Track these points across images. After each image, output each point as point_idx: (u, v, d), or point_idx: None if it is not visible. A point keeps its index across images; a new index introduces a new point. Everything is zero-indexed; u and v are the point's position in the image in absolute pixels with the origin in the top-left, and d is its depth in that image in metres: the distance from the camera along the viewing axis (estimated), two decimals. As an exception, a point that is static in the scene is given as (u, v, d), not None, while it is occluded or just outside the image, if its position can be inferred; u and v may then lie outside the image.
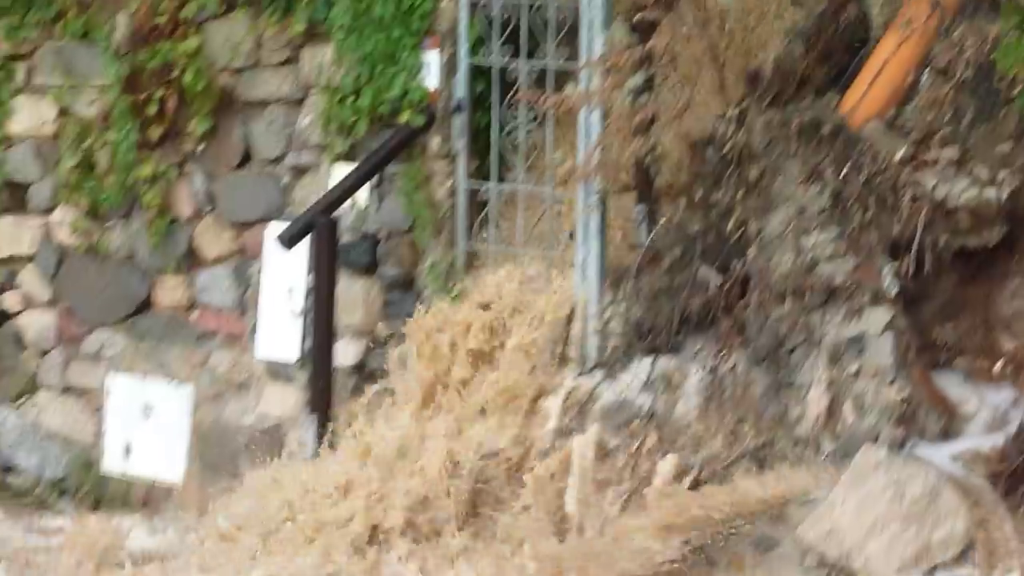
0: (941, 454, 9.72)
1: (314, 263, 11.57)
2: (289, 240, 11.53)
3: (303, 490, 11.09)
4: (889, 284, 10.12)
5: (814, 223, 10.27)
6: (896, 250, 10.21)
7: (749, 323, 10.28)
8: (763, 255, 10.30)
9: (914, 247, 10.16)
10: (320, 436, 11.45)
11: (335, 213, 11.54)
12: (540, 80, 11.19)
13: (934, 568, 9.24)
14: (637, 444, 10.27)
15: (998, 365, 10.24)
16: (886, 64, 10.67)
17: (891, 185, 10.25)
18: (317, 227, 11.45)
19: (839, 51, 11.06)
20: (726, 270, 10.44)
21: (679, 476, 10.07)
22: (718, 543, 9.73)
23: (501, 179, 11.47)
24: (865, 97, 10.63)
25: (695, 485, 10.04)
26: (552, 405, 10.68)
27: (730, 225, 10.48)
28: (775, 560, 9.62)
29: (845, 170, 10.32)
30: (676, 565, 9.58)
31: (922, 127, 10.46)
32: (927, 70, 10.65)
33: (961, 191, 10.20)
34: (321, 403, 11.54)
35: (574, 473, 10.31)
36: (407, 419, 11.04)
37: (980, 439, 9.84)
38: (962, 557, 9.25)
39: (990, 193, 10.18)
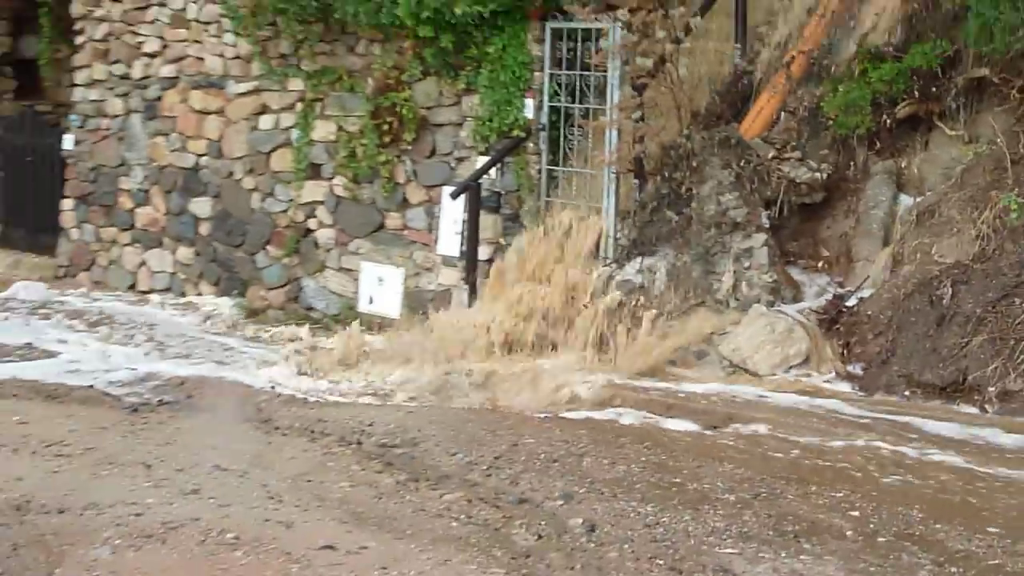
0: (793, 310, 9.43)
1: (467, 206, 11.27)
2: (455, 194, 11.24)
3: (459, 323, 10.73)
4: (765, 221, 9.79)
5: (726, 189, 9.89)
6: (768, 204, 10.00)
7: (692, 240, 9.96)
8: (700, 205, 10.00)
9: (778, 202, 9.89)
10: (470, 296, 11.12)
11: (479, 181, 11.13)
12: (586, 114, 10.79)
13: (790, 367, 8.93)
14: (634, 303, 9.91)
15: (820, 263, 10.06)
16: (762, 108, 10.47)
17: (766, 170, 10.04)
18: (470, 188, 11.16)
19: (738, 101, 10.65)
20: (680, 213, 10.09)
21: (656, 320, 9.71)
22: (676, 354, 9.39)
23: (564, 165, 11.04)
24: (752, 125, 10.36)
25: (664, 325, 9.67)
26: (590, 282, 10.26)
27: (682, 190, 10.12)
28: (705, 364, 9.36)
29: (742, 162, 9.97)
30: (656, 363, 9.22)
31: (781, 140, 10.27)
32: (783, 111, 10.29)
33: (802, 174, 10.05)
34: (471, 278, 11.28)
35: (602, 317, 9.93)
36: (515, 287, 10.67)
37: (812, 302, 9.65)
38: (804, 363, 9.00)
39: (817, 175, 10.08)
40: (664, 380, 9.08)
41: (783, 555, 5.53)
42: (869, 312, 9.03)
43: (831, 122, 10.03)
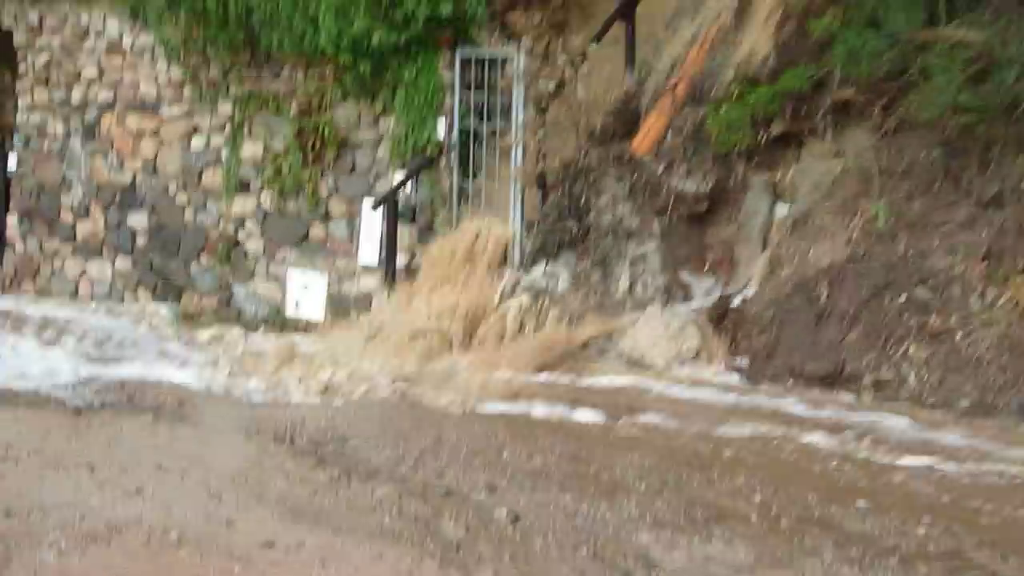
0: (684, 309, 9.15)
1: (387, 217, 10.84)
2: (374, 207, 10.87)
3: (379, 324, 10.31)
4: (657, 229, 9.51)
5: (621, 201, 9.64)
6: (659, 214, 9.70)
7: (591, 247, 9.70)
8: (598, 215, 9.75)
9: (668, 212, 9.60)
10: (390, 300, 10.73)
11: (396, 195, 10.73)
12: (493, 134, 10.45)
13: (683, 361, 8.64)
14: (539, 304, 9.55)
15: (706, 267, 9.70)
16: (651, 127, 10.13)
17: (656, 183, 9.71)
18: (388, 201, 10.77)
19: (630, 121, 10.33)
20: (580, 223, 9.79)
21: (559, 319, 9.38)
22: (580, 350, 9.06)
23: (474, 179, 10.67)
24: (642, 142, 10.05)
25: (567, 324, 9.34)
26: (499, 285, 9.93)
27: (581, 202, 9.83)
28: (607, 359, 9.03)
29: (634, 176, 9.70)
30: (561, 359, 8.88)
31: (669, 156, 9.91)
32: (670, 130, 9.97)
33: (688, 186, 9.75)
34: (390, 283, 10.90)
35: (510, 317, 9.57)
36: (431, 291, 10.26)
37: (701, 302, 9.33)
38: (696, 357, 8.72)
39: (702, 187, 9.73)
40: (570, 374, 8.74)
41: (696, 541, 5.23)
42: (753, 310, 8.79)
43: (713, 139, 9.75)
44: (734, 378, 8.36)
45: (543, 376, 8.76)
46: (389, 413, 7.99)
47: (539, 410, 7.95)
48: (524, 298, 9.65)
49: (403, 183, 10.80)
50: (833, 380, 7.91)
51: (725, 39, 10.31)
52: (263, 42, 11.38)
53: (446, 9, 10.19)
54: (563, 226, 9.90)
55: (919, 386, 7.59)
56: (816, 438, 6.90)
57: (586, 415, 7.73)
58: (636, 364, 8.82)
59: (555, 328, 9.36)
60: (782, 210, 9.52)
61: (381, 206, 10.77)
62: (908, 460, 6.48)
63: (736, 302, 9.03)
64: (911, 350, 7.76)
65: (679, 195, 9.70)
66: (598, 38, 10.44)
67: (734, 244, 9.70)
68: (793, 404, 7.64)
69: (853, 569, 4.91)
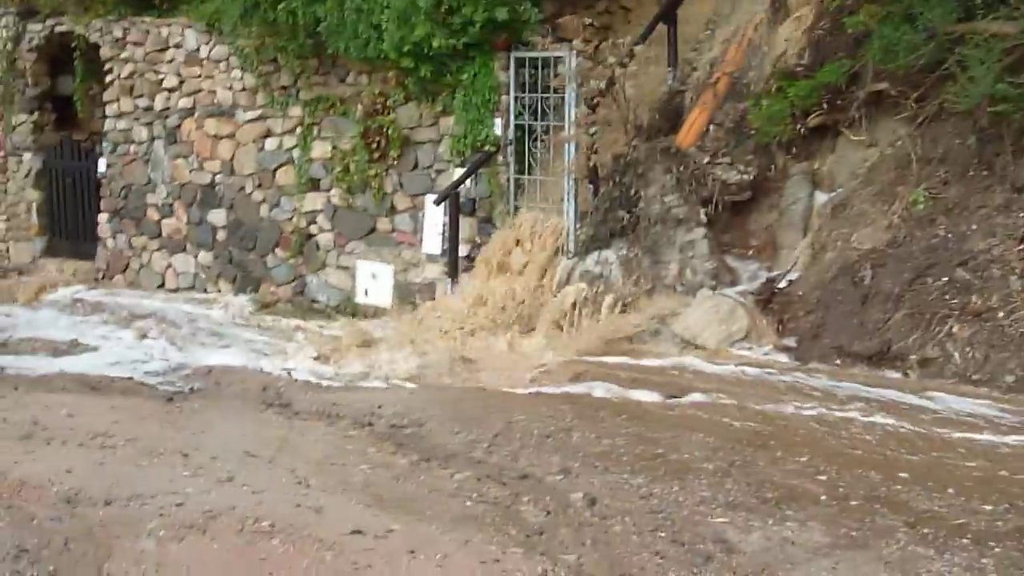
0: (733, 292, 8.70)
1: (449, 211, 10.52)
2: (437, 201, 10.54)
3: (444, 311, 9.99)
4: (703, 217, 9.08)
5: (668, 191, 9.20)
6: (705, 202, 9.23)
7: (642, 235, 9.24)
8: (647, 205, 9.30)
9: (713, 200, 9.17)
10: (453, 287, 10.40)
11: (457, 189, 10.38)
12: (547, 130, 10.06)
13: (733, 342, 8.24)
14: (594, 290, 9.18)
15: (750, 252, 9.29)
16: (694, 121, 9.70)
17: (701, 173, 9.27)
18: (449, 196, 10.41)
19: (674, 116, 9.93)
20: (630, 212, 9.36)
21: (613, 304, 9.00)
22: (634, 333, 8.66)
23: (529, 174, 10.25)
24: (686, 135, 9.61)
25: (621, 308, 8.95)
26: (555, 273, 9.56)
27: (631, 193, 9.41)
28: (660, 341, 8.63)
29: (681, 168, 9.26)
30: (617, 341, 8.51)
31: (712, 148, 9.44)
32: (712, 123, 9.56)
33: (732, 176, 9.29)
34: (453, 272, 10.57)
35: (567, 302, 9.20)
36: (491, 279, 9.90)
37: (747, 285, 8.87)
38: (745, 338, 8.30)
39: (744, 177, 9.29)
40: (625, 356, 8.35)
41: (770, 522, 4.84)
42: (799, 292, 8.37)
43: (754, 131, 9.32)
44: (783, 358, 7.94)
45: (601, 358, 8.38)
46: (459, 396, 7.65)
47: (599, 390, 7.56)
48: (579, 285, 9.29)
49: (463, 179, 10.42)
50: (880, 359, 7.50)
51: (762, 37, 9.92)
52: (330, 49, 11.01)
53: (501, 14, 9.80)
54: (614, 216, 9.50)
55: (964, 363, 7.16)
56: (870, 415, 6.50)
57: (644, 395, 7.34)
58: (689, 345, 8.43)
59: (610, 312, 9.00)
60: (821, 197, 9.08)
61: (444, 200, 10.42)
62: (962, 436, 6.07)
63: (782, 285, 8.62)
64: (955, 329, 7.33)
65: (723, 184, 9.26)
66: (643, 39, 9.99)
67: (776, 230, 9.26)
68: (843, 382, 7.24)
69: (928, 549, 4.53)
